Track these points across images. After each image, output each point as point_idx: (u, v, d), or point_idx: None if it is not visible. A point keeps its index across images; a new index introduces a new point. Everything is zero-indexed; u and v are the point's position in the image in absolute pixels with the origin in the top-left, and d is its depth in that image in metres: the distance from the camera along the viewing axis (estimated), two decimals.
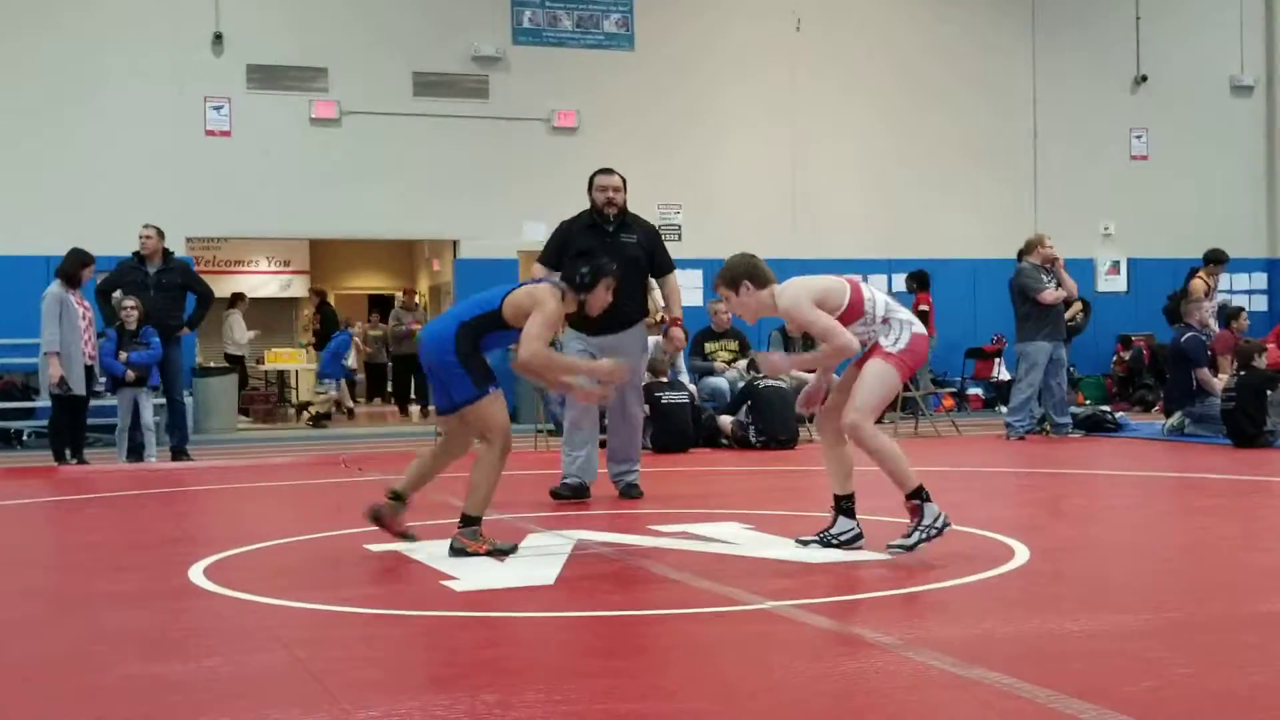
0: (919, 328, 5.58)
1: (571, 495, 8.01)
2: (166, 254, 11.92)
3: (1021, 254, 13.04)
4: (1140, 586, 5.08)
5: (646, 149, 16.96)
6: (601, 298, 5.96)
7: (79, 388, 11.12)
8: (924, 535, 5.38)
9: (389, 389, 21.06)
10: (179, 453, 11.77)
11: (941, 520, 5.40)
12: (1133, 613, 4.42)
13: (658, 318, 12.94)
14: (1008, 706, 3.30)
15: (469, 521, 5.74)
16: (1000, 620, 4.40)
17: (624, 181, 8.19)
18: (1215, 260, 14.76)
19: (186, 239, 15.75)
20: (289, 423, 18.60)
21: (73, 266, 11.30)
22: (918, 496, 5.42)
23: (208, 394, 15.47)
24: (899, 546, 5.40)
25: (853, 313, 5.49)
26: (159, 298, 11.69)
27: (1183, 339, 12.31)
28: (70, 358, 11.06)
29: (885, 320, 5.54)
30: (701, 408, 12.56)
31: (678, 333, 11.38)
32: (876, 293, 5.64)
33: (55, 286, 11.25)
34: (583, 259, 5.99)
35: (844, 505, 5.71)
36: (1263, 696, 3.40)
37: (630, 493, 8.11)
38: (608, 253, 7.88)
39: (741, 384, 12.73)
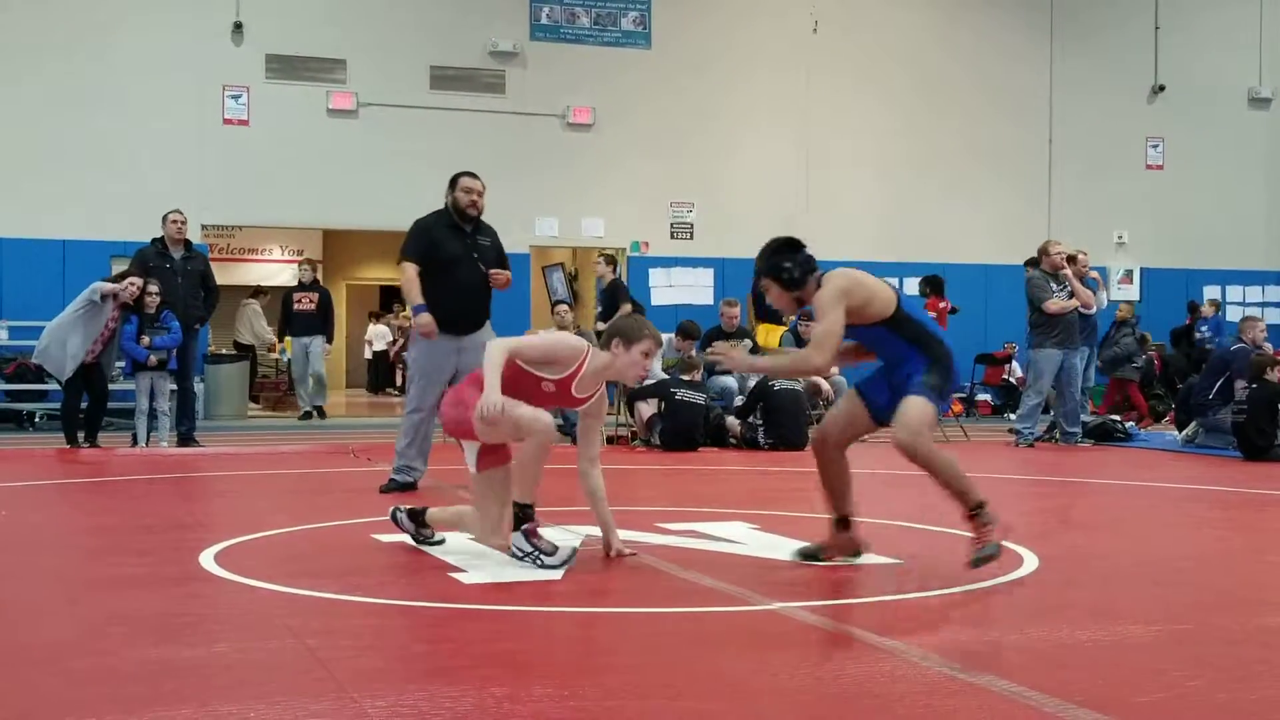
0: None
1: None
2: (187, 242, 11.96)
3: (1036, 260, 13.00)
4: (1150, 597, 5.06)
5: (660, 147, 16.97)
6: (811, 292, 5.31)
7: (59, 374, 11.18)
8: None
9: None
10: (187, 439, 11.80)
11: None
12: (1142, 623, 4.42)
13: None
14: (1015, 715, 3.30)
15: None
16: (1009, 628, 4.40)
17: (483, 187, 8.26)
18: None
19: (202, 226, 15.79)
20: (299, 411, 18.58)
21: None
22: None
23: (219, 381, 15.53)
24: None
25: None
26: (185, 285, 11.72)
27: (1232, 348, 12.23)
28: (66, 346, 11.09)
29: None
30: (710, 407, 12.55)
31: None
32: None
33: (97, 293, 11.21)
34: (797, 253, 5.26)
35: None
36: (1272, 711, 3.39)
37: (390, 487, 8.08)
38: (471, 253, 8.01)
39: (753, 384, 12.71)
